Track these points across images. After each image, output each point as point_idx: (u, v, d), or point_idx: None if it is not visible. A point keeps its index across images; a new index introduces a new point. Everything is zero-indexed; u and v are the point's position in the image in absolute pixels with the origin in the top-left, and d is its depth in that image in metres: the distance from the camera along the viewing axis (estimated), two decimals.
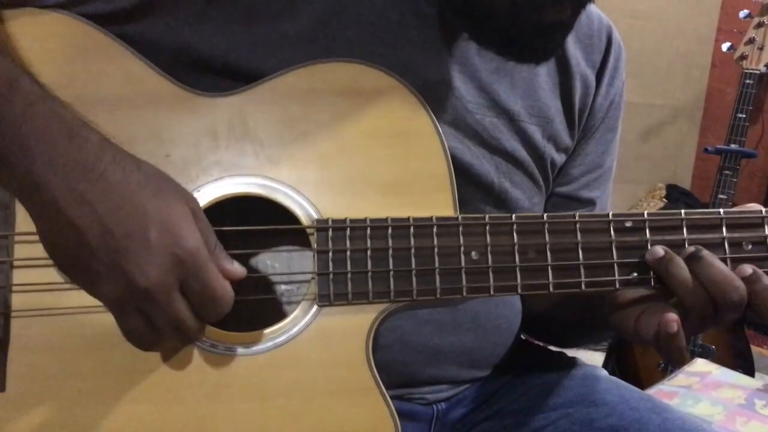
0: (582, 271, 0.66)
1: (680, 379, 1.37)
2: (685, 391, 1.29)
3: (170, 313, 0.56)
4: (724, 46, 2.16)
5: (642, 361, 2.01)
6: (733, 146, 2.00)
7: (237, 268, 0.62)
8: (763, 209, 0.66)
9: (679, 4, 3.04)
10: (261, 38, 0.73)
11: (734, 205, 0.69)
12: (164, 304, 0.56)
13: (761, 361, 2.48)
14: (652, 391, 1.33)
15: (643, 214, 0.67)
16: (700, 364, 1.44)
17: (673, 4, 3.05)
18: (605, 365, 2.07)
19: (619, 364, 2.04)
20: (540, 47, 0.76)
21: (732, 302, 0.64)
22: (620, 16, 3.10)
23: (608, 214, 0.67)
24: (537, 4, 0.70)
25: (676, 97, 3.13)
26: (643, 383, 1.70)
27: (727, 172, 1.99)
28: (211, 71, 0.72)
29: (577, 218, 0.67)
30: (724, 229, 0.67)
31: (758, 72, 2.04)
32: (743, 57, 2.07)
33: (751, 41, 2.06)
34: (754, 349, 2.45)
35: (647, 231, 0.67)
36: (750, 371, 1.96)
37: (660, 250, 0.67)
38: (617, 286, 0.67)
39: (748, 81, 2.04)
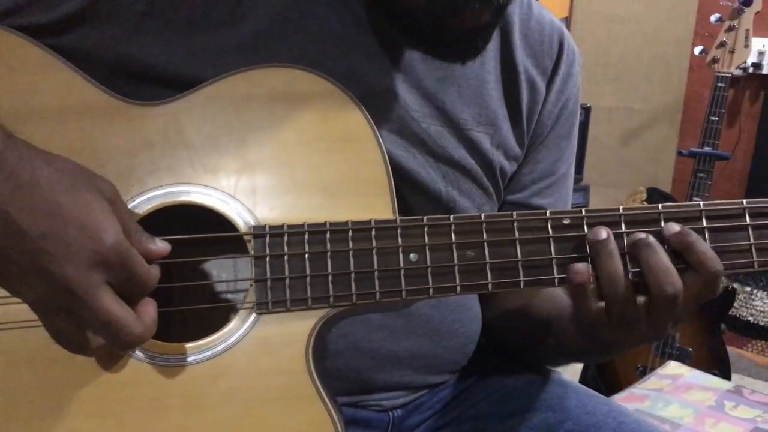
0: (520, 269, 0.66)
1: (652, 381, 1.36)
2: (656, 393, 1.29)
3: (98, 309, 0.55)
4: (696, 50, 2.18)
5: (621, 365, 2.00)
6: (706, 149, 2.01)
7: (160, 246, 0.61)
8: (701, 203, 0.66)
9: (657, 9, 3.07)
10: (201, 48, 0.72)
11: None
12: (90, 302, 0.55)
13: (741, 363, 2.47)
14: (624, 395, 1.33)
15: (581, 211, 0.66)
16: (672, 367, 1.44)
17: (652, 9, 3.07)
18: (585, 370, 2.06)
19: (598, 368, 2.03)
20: (465, 49, 0.76)
21: (666, 294, 0.63)
22: (600, 20, 3.13)
23: (546, 211, 0.66)
24: (453, 10, 0.70)
25: (655, 101, 3.14)
26: (622, 387, 1.69)
27: (701, 174, 1.99)
28: (151, 81, 0.72)
29: (515, 217, 0.66)
30: (662, 223, 0.66)
31: (729, 75, 2.05)
32: (715, 60, 2.08)
33: (723, 45, 2.07)
34: (734, 351, 2.45)
35: (585, 227, 0.66)
36: (727, 373, 1.95)
37: (603, 233, 0.65)
38: (556, 283, 0.66)
39: (720, 84, 2.04)
